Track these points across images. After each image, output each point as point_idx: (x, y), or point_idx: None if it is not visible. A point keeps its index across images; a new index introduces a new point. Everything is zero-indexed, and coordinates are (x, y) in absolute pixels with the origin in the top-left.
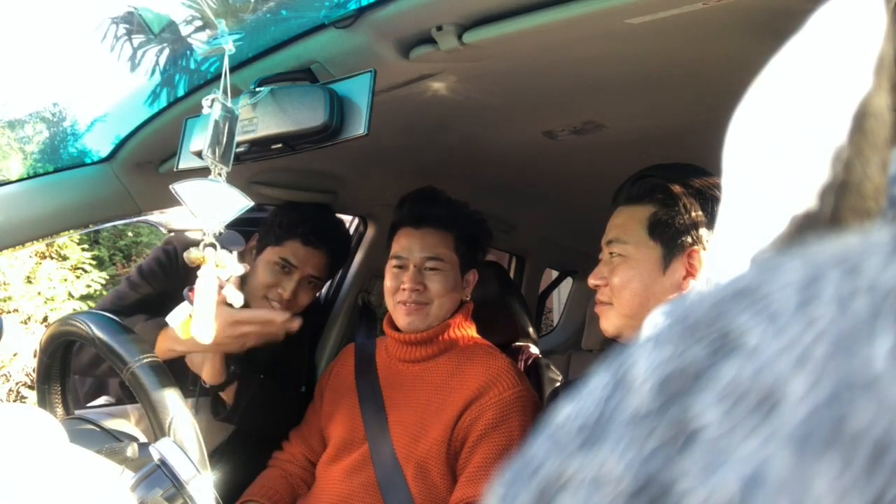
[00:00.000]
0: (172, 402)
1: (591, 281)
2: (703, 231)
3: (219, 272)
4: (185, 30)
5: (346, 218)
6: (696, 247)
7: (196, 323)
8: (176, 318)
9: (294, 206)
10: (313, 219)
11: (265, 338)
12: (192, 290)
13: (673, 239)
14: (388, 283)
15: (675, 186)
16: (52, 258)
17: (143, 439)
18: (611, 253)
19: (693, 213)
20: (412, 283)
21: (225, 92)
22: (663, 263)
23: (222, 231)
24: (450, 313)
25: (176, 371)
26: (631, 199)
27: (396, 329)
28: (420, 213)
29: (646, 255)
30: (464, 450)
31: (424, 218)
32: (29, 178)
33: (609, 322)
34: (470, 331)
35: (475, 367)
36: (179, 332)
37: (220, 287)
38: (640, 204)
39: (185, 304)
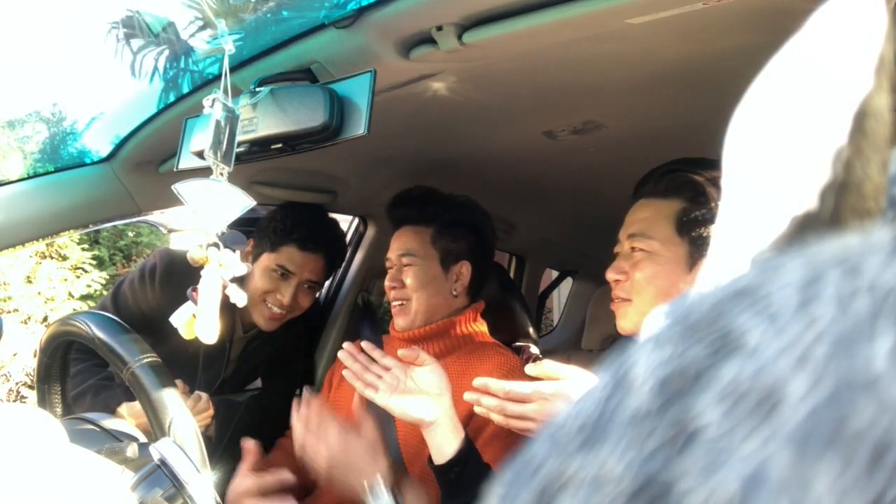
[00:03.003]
0: (172, 402)
1: (611, 275)
2: None
3: (222, 272)
4: (185, 30)
5: (346, 218)
6: None
7: (200, 323)
8: (179, 318)
9: (288, 209)
10: (309, 223)
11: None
12: (195, 289)
13: (700, 237)
14: (385, 284)
15: (706, 183)
16: (52, 258)
17: (143, 439)
18: (633, 248)
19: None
20: (391, 280)
21: (225, 92)
22: (689, 262)
23: (225, 231)
24: (438, 308)
25: (179, 371)
26: (657, 193)
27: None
28: (395, 215)
29: (672, 252)
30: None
31: (400, 218)
32: (29, 178)
33: (628, 320)
34: (479, 329)
35: (486, 365)
36: (183, 333)
37: (224, 287)
38: (666, 199)
39: (188, 303)
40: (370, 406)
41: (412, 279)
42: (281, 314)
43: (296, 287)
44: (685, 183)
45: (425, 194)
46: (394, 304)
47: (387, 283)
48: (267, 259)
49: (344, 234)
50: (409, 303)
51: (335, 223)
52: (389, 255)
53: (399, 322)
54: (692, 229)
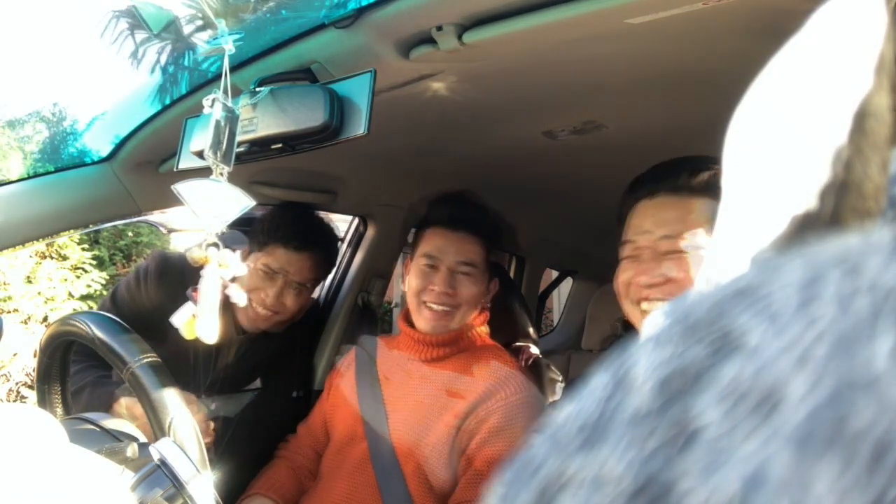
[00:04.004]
0: (172, 402)
1: (647, 279)
2: None
3: (222, 272)
4: (185, 30)
5: (346, 218)
6: None
7: (200, 323)
8: (180, 318)
9: (278, 210)
10: (296, 222)
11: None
12: (195, 289)
13: None
14: (416, 281)
15: None
16: (52, 258)
17: (143, 439)
18: (672, 249)
19: None
20: (444, 286)
21: (225, 92)
22: None
23: (224, 231)
24: (471, 318)
25: (176, 370)
26: (692, 191)
27: (412, 326)
28: (457, 216)
29: None
30: (466, 452)
31: (462, 221)
32: (29, 178)
33: None
34: (481, 331)
35: (483, 368)
36: (184, 333)
37: (224, 287)
38: (702, 196)
39: (188, 304)
40: (364, 410)
41: (470, 290)
42: (266, 315)
43: (281, 287)
44: (718, 179)
45: (478, 203)
46: (434, 307)
47: (439, 287)
48: (254, 259)
49: (335, 238)
50: (456, 311)
51: (327, 225)
52: (439, 254)
53: (436, 327)
54: None
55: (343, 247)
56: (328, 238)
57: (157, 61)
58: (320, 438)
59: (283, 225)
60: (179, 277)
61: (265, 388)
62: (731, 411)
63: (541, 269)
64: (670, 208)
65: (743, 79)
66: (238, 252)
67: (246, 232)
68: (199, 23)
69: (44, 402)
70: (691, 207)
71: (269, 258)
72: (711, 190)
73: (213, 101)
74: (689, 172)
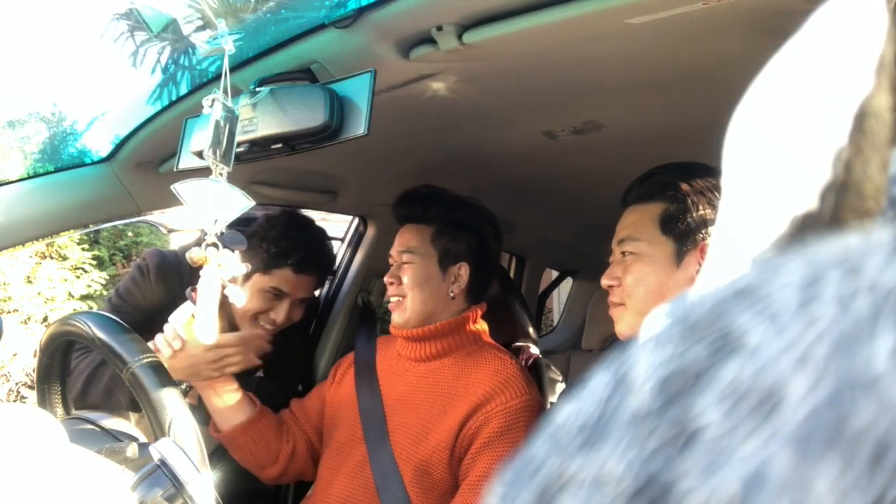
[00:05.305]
0: (172, 402)
1: (605, 281)
2: (712, 227)
3: (221, 272)
4: (185, 29)
5: (346, 218)
6: (707, 241)
7: (199, 323)
8: (179, 318)
9: (281, 229)
10: (304, 246)
11: (246, 364)
12: (194, 290)
13: (685, 234)
14: None
15: (684, 184)
16: (52, 258)
17: (143, 439)
18: (623, 252)
19: (702, 210)
20: (389, 276)
21: (225, 92)
22: (677, 258)
23: (224, 231)
24: (434, 308)
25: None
26: (641, 198)
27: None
28: (400, 213)
29: (659, 250)
30: (467, 456)
31: (404, 216)
32: (29, 178)
33: (624, 323)
34: (480, 331)
35: (483, 370)
36: (182, 332)
37: (223, 287)
38: (650, 202)
39: (187, 304)
40: (363, 413)
41: (409, 277)
42: (273, 330)
43: (288, 306)
44: (664, 185)
45: (431, 194)
46: (391, 300)
47: (386, 278)
48: (259, 281)
49: (332, 252)
50: (404, 300)
51: (327, 240)
52: (391, 251)
53: (395, 318)
54: (675, 226)
55: (343, 247)
56: (330, 255)
57: (157, 61)
58: (311, 416)
59: (293, 250)
60: (176, 273)
61: (264, 388)
62: (732, 411)
63: (541, 269)
64: (630, 216)
65: (743, 79)
66: (237, 252)
67: (241, 232)
68: (199, 23)
69: (44, 402)
70: (643, 212)
71: (276, 280)
72: (663, 193)
73: (213, 101)
74: (644, 180)
